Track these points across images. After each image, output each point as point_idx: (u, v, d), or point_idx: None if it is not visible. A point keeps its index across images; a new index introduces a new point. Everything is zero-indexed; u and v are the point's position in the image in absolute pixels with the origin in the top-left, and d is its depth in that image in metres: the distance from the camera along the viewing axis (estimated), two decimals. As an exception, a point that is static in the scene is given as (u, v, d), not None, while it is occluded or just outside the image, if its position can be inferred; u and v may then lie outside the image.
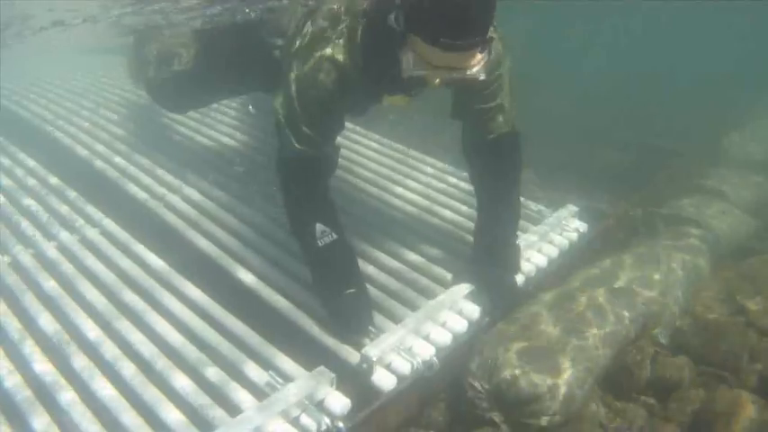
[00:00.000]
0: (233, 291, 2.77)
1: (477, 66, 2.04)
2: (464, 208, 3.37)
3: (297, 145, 2.38)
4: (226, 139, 4.16)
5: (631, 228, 3.59)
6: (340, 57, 2.30)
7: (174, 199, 3.40)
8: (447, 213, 3.36)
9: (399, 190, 3.59)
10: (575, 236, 3.18)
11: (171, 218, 3.26)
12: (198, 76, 3.33)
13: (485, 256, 2.72)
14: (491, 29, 2.02)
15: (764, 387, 2.59)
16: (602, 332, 2.57)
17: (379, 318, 2.57)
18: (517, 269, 2.77)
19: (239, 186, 3.53)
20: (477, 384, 2.32)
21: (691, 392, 2.65)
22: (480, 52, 2.02)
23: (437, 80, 2.12)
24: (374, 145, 4.11)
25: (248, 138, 4.21)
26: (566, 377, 2.31)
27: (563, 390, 2.28)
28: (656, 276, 3.03)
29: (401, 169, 3.83)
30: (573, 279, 2.88)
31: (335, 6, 2.39)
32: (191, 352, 2.34)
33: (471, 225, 3.04)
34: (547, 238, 3.11)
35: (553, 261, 3.04)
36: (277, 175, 2.54)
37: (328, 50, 2.30)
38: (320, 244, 2.46)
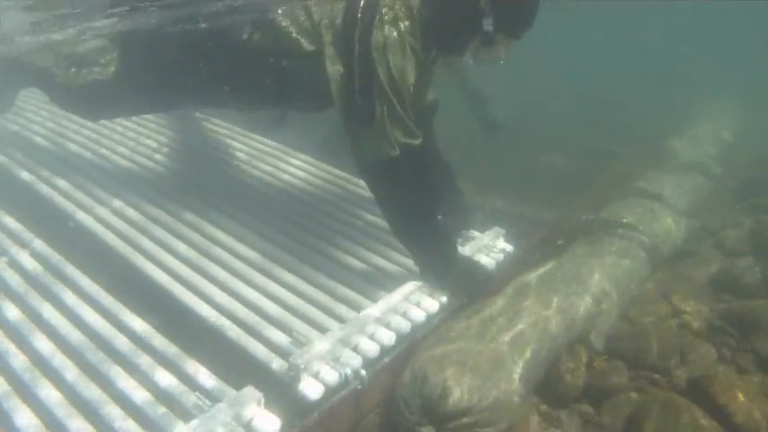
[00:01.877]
0: (159, 307, 2.70)
1: None
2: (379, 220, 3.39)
3: (404, 139, 2.54)
4: (158, 152, 4.10)
5: (570, 233, 3.62)
6: (415, 46, 2.55)
7: (104, 212, 3.31)
8: (359, 224, 3.43)
9: (324, 206, 3.62)
10: (501, 256, 3.25)
11: (99, 229, 3.18)
12: (128, 86, 3.18)
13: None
14: None
15: (692, 389, 2.63)
16: (535, 341, 2.57)
17: (307, 328, 2.56)
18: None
19: (167, 200, 3.47)
20: (408, 397, 2.29)
21: (625, 397, 2.67)
22: None
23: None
24: (305, 166, 4.13)
25: (185, 149, 4.14)
26: (497, 388, 2.30)
27: (494, 401, 2.27)
28: (593, 282, 3.05)
29: (320, 185, 3.89)
30: (507, 287, 2.88)
31: (391, 3, 2.55)
32: (116, 373, 2.26)
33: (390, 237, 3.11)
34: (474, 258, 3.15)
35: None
36: (385, 178, 2.65)
37: (406, 43, 2.52)
38: (439, 220, 2.82)
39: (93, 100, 3.31)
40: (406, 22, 2.54)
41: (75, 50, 3.31)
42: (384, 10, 2.53)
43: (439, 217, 2.79)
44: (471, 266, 2.96)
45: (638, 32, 14.34)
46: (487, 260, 3.16)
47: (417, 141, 2.58)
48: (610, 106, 7.02)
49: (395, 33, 2.51)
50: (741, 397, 2.53)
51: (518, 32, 2.59)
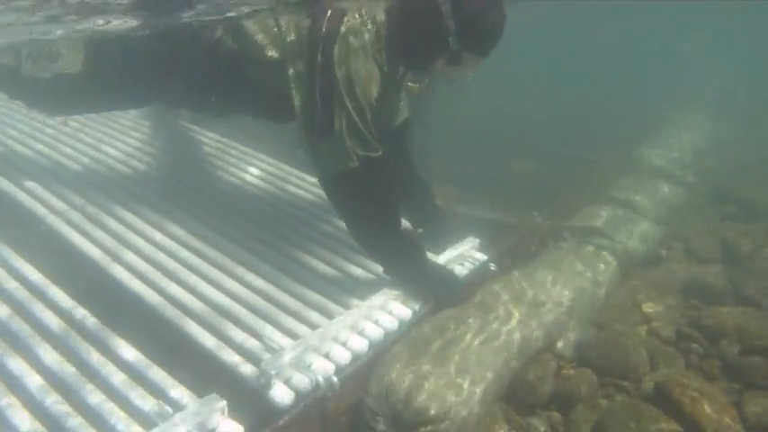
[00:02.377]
0: (124, 311, 2.64)
1: None
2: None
3: (362, 151, 2.54)
4: (131, 155, 4.04)
5: (542, 240, 3.63)
6: (379, 60, 2.57)
7: (76, 216, 3.25)
8: (332, 231, 3.40)
9: (298, 213, 3.60)
10: (474, 266, 3.22)
11: (68, 231, 3.12)
12: (97, 81, 3.14)
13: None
14: None
15: (659, 396, 2.64)
16: (503, 349, 2.56)
17: (278, 335, 2.52)
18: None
19: (140, 203, 3.42)
20: (374, 406, 2.28)
21: (592, 404, 2.68)
22: None
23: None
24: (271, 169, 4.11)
25: (160, 153, 4.09)
26: (463, 396, 2.30)
27: (460, 409, 2.26)
28: (562, 289, 3.06)
29: (295, 191, 3.86)
30: (477, 294, 2.88)
31: (356, 17, 2.57)
32: (76, 378, 2.21)
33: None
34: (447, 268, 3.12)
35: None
36: (344, 190, 2.67)
37: (370, 56, 2.55)
38: (401, 231, 2.80)
39: (59, 94, 3.24)
40: (371, 37, 2.55)
41: (39, 47, 3.25)
42: (349, 23, 2.53)
43: (402, 226, 2.78)
44: (442, 276, 2.94)
45: (612, 38, 14.49)
46: (461, 269, 3.13)
47: (377, 154, 2.58)
48: (584, 112, 7.07)
49: (358, 46, 2.52)
50: (707, 404, 2.55)
51: (484, 51, 2.59)
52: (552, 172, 5.06)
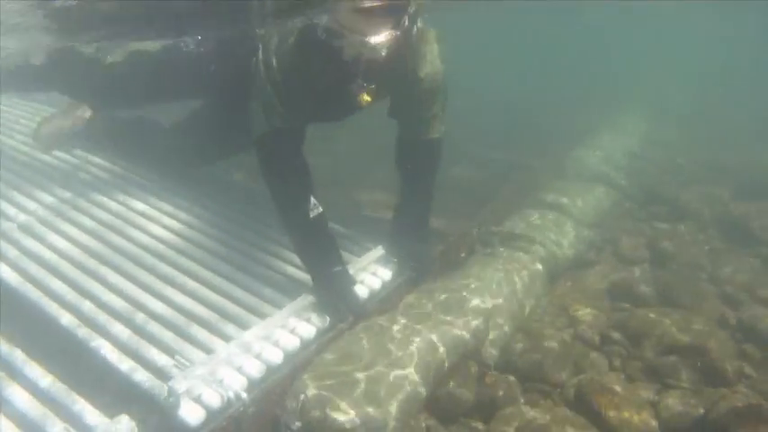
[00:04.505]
0: (31, 326, 2.58)
1: (384, 38, 2.50)
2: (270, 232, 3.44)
3: (271, 116, 2.72)
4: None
5: (470, 246, 3.64)
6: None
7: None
8: (250, 236, 3.40)
9: (213, 218, 3.56)
10: (386, 277, 3.18)
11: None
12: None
13: (408, 233, 3.27)
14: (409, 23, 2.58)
15: (579, 401, 2.68)
16: (424, 358, 2.55)
17: (189, 348, 2.49)
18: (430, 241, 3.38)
19: (54, 214, 3.36)
20: (290, 422, 2.25)
21: (515, 411, 2.68)
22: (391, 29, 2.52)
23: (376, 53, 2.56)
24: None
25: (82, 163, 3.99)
26: (381, 409, 2.28)
27: (377, 423, 2.24)
28: (488, 295, 3.07)
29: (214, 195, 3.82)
30: (400, 304, 2.87)
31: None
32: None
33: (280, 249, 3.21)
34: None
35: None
36: (260, 152, 2.81)
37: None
38: (312, 216, 2.76)
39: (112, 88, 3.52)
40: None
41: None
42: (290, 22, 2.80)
43: (312, 214, 2.78)
44: (348, 290, 2.89)
45: (552, 42, 14.72)
46: (373, 280, 3.10)
47: (279, 125, 2.74)
48: (519, 115, 7.16)
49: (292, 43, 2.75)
50: (623, 407, 2.60)
51: None
52: (485, 176, 5.10)
